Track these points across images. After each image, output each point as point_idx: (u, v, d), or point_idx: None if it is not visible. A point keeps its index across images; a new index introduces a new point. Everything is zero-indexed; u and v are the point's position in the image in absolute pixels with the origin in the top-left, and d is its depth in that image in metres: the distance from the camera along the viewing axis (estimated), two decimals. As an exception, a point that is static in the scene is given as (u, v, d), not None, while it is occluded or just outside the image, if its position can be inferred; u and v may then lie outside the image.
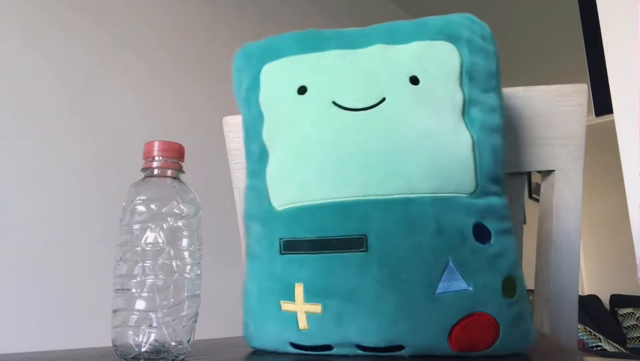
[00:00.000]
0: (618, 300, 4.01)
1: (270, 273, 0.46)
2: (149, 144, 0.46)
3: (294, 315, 0.44)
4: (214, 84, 1.93)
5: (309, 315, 0.44)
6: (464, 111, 0.47)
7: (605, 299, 4.18)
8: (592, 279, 4.57)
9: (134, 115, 1.66)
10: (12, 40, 1.39)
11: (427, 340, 0.42)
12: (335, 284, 0.42)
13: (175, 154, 0.46)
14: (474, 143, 0.45)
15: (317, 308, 0.43)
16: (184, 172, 0.47)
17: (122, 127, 1.62)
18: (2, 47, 1.37)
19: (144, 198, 0.44)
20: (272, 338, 0.47)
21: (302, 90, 0.48)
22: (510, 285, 0.43)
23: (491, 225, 0.44)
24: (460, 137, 0.45)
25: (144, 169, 0.46)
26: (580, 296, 3.96)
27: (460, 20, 0.50)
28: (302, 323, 0.44)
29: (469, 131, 0.46)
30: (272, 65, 0.51)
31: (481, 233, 0.43)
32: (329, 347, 0.45)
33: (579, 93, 0.63)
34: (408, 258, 0.41)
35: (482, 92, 0.48)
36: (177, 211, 0.44)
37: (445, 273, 0.41)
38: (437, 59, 0.48)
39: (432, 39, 0.48)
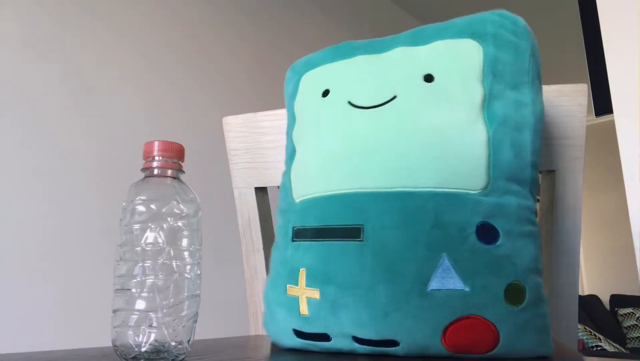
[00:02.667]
0: (618, 300, 4.01)
1: (282, 259, 0.50)
2: (149, 144, 0.46)
3: (296, 300, 0.47)
4: (215, 84, 1.93)
5: (309, 300, 0.46)
6: (484, 107, 0.46)
7: (605, 299, 4.18)
8: (592, 279, 4.57)
9: (134, 115, 1.66)
10: (12, 40, 1.39)
11: (420, 337, 0.41)
12: (332, 271, 0.44)
13: (175, 154, 0.46)
14: (489, 139, 0.44)
15: (315, 293, 0.45)
16: (184, 172, 0.47)
17: (122, 127, 1.62)
18: (2, 47, 1.37)
19: (144, 198, 0.44)
20: (280, 322, 0.49)
21: (325, 93, 0.52)
22: (516, 291, 0.41)
23: (501, 225, 0.42)
24: (473, 133, 0.44)
25: (144, 169, 0.46)
26: (580, 296, 3.96)
27: (488, 16, 0.49)
28: (303, 308, 0.46)
29: (486, 127, 0.45)
30: (309, 73, 0.56)
31: (487, 233, 0.42)
32: (326, 337, 0.46)
33: (579, 93, 0.63)
34: (402, 250, 0.42)
35: (508, 87, 0.46)
36: (177, 211, 0.44)
37: (439, 270, 0.41)
38: (456, 57, 0.47)
39: (455, 38, 0.48)
